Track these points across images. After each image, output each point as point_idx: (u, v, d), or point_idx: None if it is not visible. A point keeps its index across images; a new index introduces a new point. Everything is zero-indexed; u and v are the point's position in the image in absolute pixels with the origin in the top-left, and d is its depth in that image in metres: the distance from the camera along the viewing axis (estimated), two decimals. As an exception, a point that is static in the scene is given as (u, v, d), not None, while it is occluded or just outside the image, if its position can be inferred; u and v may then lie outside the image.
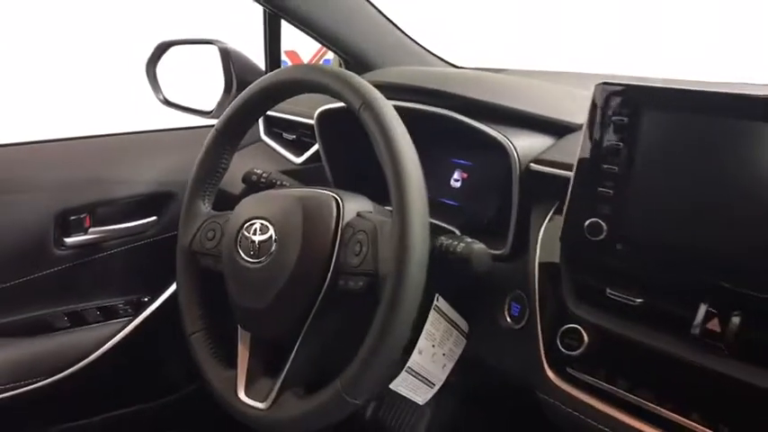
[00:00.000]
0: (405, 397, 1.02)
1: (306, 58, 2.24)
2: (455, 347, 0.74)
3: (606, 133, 0.53)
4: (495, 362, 0.73)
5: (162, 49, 1.15)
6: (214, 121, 1.02)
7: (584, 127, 0.54)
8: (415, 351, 0.67)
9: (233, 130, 0.71)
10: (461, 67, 1.21)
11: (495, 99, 0.69)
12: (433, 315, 0.68)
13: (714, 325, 0.48)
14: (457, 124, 0.71)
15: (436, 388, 0.75)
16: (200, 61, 1.16)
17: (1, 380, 0.81)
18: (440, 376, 0.74)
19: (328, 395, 0.54)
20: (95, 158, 0.94)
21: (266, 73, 1.10)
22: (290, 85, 0.65)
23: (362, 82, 0.57)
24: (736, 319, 0.46)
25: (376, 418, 1.10)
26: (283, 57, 1.26)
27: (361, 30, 1.06)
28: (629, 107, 0.51)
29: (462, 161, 0.85)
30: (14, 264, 0.85)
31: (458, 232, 0.75)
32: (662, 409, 0.48)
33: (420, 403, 0.76)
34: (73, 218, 0.88)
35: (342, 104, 0.78)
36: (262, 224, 0.62)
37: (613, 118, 0.52)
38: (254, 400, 0.62)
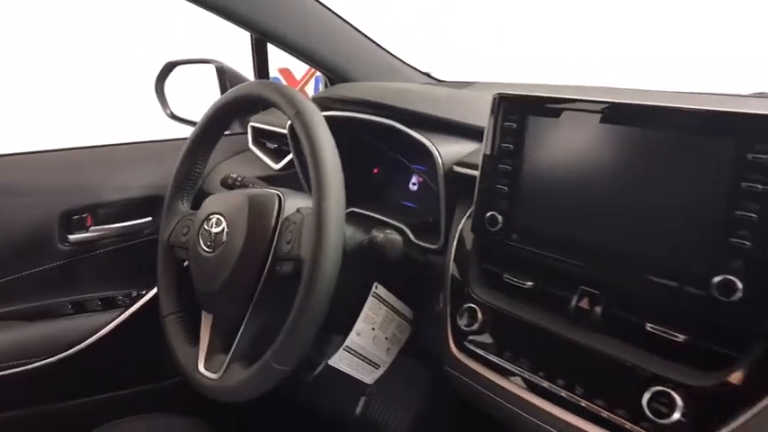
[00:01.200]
0: (395, 394, 1.09)
1: (298, 75, 2.37)
2: (399, 333, 0.82)
3: (501, 137, 0.60)
4: (435, 347, 0.81)
5: (168, 68, 1.27)
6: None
7: (485, 131, 0.62)
8: (353, 332, 0.75)
9: (204, 140, 0.81)
10: (440, 81, 1.30)
11: (430, 110, 0.77)
12: (371, 301, 0.76)
13: (585, 304, 0.55)
14: (399, 133, 0.79)
15: (382, 370, 0.83)
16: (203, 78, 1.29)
17: (8, 357, 0.93)
18: (384, 359, 0.82)
19: (260, 365, 0.63)
20: (97, 165, 1.06)
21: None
22: (246, 100, 0.75)
23: (297, 95, 0.66)
24: (601, 299, 0.53)
25: (365, 414, 1.18)
26: (277, 74, 1.37)
27: (344, 49, 1.15)
28: (516, 114, 0.59)
29: (420, 167, 0.94)
30: (24, 257, 0.97)
31: (407, 230, 0.83)
32: (537, 377, 0.55)
33: (368, 383, 0.84)
34: (75, 217, 1.00)
35: (334, 114, 0.89)
36: (217, 218, 0.71)
37: (505, 123, 0.60)
38: (210, 371, 0.71)
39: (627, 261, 0.51)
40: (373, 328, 0.78)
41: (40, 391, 0.97)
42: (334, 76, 1.16)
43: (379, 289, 0.77)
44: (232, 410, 1.17)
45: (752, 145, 0.43)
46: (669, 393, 0.46)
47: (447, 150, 0.72)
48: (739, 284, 0.44)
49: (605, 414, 0.49)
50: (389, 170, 0.99)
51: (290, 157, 1.04)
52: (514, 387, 0.56)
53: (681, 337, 0.48)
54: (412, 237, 0.82)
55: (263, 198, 0.70)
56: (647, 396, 0.47)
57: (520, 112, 0.59)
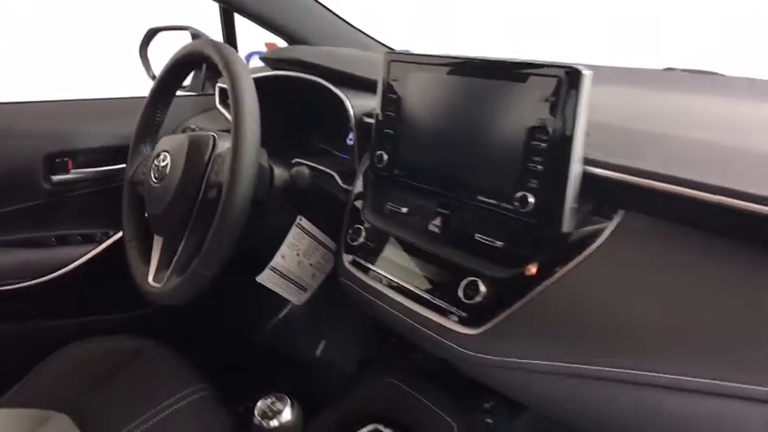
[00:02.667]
0: (351, 338, 1.21)
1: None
2: (324, 261, 0.96)
3: (388, 90, 0.73)
4: None
5: (150, 34, 1.41)
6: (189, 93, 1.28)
7: (378, 85, 0.75)
8: (278, 255, 0.90)
9: (162, 92, 0.95)
10: (387, 46, 1.42)
11: (351, 69, 0.90)
12: (295, 230, 0.90)
13: (438, 222, 0.68)
14: (327, 90, 0.92)
15: (309, 293, 0.97)
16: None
17: None
18: (310, 282, 0.96)
19: (189, 272, 0.77)
20: (79, 116, 1.20)
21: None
22: (192, 56, 0.88)
23: (228, 51, 0.79)
24: (450, 218, 0.67)
25: (324, 355, 1.32)
26: (264, 48, 1.50)
27: (303, 20, 1.28)
28: (400, 71, 0.72)
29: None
30: (12, 193, 1.12)
31: (336, 176, 0.96)
32: (400, 279, 0.69)
33: (296, 303, 0.98)
34: (58, 160, 1.15)
35: (259, 74, 1.02)
36: (164, 155, 0.85)
37: (391, 79, 0.73)
38: (156, 283, 0.86)
39: (464, 187, 0.64)
40: (298, 254, 0.92)
41: (18, 309, 1.13)
42: (290, 39, 1.28)
43: (302, 221, 0.91)
44: (198, 340, 1.32)
45: (544, 90, 0.56)
46: (477, 282, 0.59)
47: (359, 104, 0.85)
48: (532, 199, 0.57)
49: (436, 301, 0.63)
50: (333, 127, 1.13)
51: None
52: (383, 288, 0.70)
53: (498, 243, 0.61)
54: (340, 181, 0.95)
55: (200, 138, 0.84)
56: (462, 284, 0.60)
57: (401, 69, 0.71)
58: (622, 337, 0.52)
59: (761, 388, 0.45)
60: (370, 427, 0.81)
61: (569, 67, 0.54)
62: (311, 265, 0.94)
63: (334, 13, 1.30)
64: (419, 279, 0.67)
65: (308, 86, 0.96)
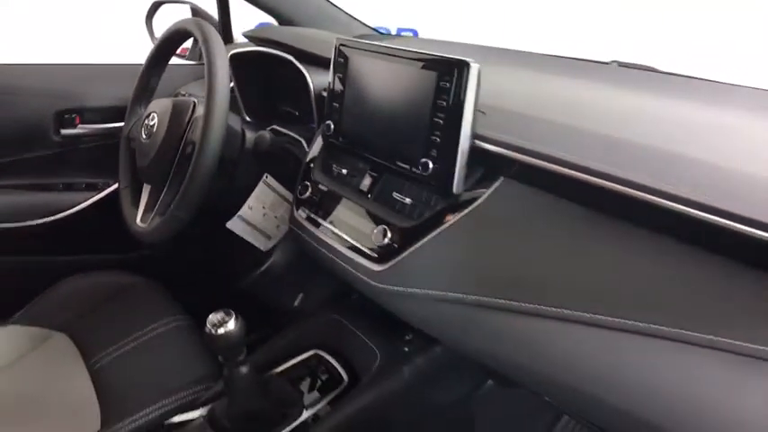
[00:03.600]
0: (327, 292, 1.33)
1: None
2: (287, 215, 1.11)
3: (336, 69, 0.87)
4: None
5: (154, 7, 1.56)
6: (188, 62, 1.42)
7: (330, 65, 0.89)
8: (245, 206, 1.05)
9: (155, 62, 1.09)
10: (383, 35, 1.55)
11: (316, 50, 1.04)
12: (261, 186, 1.05)
13: (367, 182, 0.83)
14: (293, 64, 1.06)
15: (273, 241, 1.13)
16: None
17: (7, 216, 1.25)
18: (275, 232, 1.11)
19: (168, 214, 0.92)
20: (88, 78, 1.36)
21: (219, 26, 1.49)
22: (179, 33, 1.03)
23: (206, 28, 0.93)
24: (377, 179, 0.81)
25: (301, 305, 1.48)
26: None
27: (292, 2, 1.41)
28: (344, 55, 0.86)
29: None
30: (26, 143, 1.29)
31: (303, 141, 1.10)
32: (336, 228, 0.84)
33: (262, 249, 1.14)
34: (67, 116, 1.31)
35: (240, 49, 1.16)
36: (153, 115, 1.00)
37: (338, 59, 0.87)
38: (143, 224, 1.02)
39: (387, 154, 0.79)
40: (263, 207, 1.07)
41: (28, 245, 1.30)
42: (281, 20, 1.42)
43: (269, 179, 1.06)
44: (185, 282, 1.48)
45: (442, 75, 0.70)
46: (386, 230, 0.74)
47: (319, 79, 0.99)
48: (431, 165, 0.71)
49: (358, 245, 0.78)
50: (303, 98, 1.27)
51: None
52: (321, 234, 0.85)
53: (407, 200, 0.76)
54: (305, 146, 1.10)
55: (182, 103, 0.99)
56: (375, 231, 0.75)
57: (347, 52, 0.85)
58: (493, 274, 0.66)
59: (588, 314, 0.57)
60: (312, 352, 0.97)
61: (463, 61, 0.68)
62: (276, 217, 1.09)
63: (332, 4, 1.44)
64: (349, 228, 0.82)
65: (282, 62, 1.10)
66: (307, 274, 1.43)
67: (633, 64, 1.17)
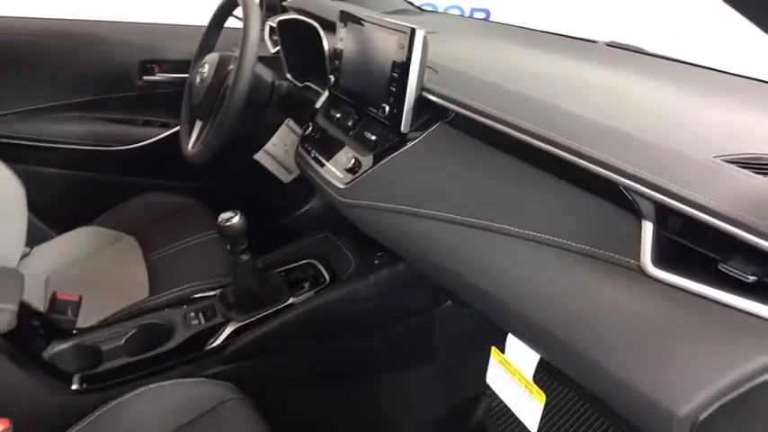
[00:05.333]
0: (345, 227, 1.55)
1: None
2: (306, 154, 1.36)
3: (338, 33, 1.10)
4: None
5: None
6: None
7: (336, 30, 1.12)
8: (270, 142, 1.31)
9: (215, 25, 1.37)
10: (420, 9, 1.75)
11: (333, 18, 1.26)
12: (284, 127, 1.31)
13: (350, 123, 1.05)
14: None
15: (293, 174, 1.38)
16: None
17: (96, 140, 1.60)
18: (294, 168, 1.37)
19: (206, 140, 1.20)
20: (167, 36, 1.67)
21: None
22: (229, 3, 1.29)
23: (249, 1, 1.18)
24: (359, 122, 1.04)
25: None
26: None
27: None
28: (344, 23, 1.08)
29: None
30: (116, 85, 1.62)
31: (319, 90, 1.34)
32: (325, 161, 1.08)
33: (284, 181, 1.40)
34: (148, 65, 1.63)
35: (292, 17, 1.41)
36: (206, 65, 1.28)
37: (340, 26, 1.09)
38: (191, 149, 1.30)
39: (363, 101, 1.01)
40: (285, 145, 1.33)
41: (111, 166, 1.65)
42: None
43: (290, 122, 1.31)
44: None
45: (399, 40, 0.91)
46: (355, 158, 0.97)
47: (334, 43, 1.22)
48: (387, 108, 0.93)
49: (334, 169, 1.01)
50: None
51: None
52: (313, 162, 1.09)
53: (372, 137, 0.98)
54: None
55: (226, 56, 1.25)
56: (345, 158, 0.98)
57: (346, 21, 1.08)
58: (422, 192, 0.86)
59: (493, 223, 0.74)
60: (306, 260, 1.22)
61: (413, 28, 0.88)
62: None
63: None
64: (333, 158, 1.06)
65: (313, 28, 1.34)
66: (336, 219, 1.69)
67: (622, 44, 1.30)
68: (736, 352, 0.47)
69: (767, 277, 0.50)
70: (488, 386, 1.23)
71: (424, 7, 1.84)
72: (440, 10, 3.79)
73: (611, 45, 1.30)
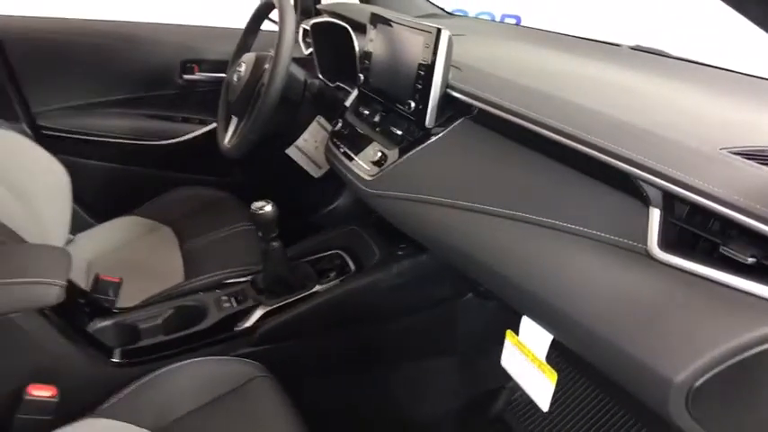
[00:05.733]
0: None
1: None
2: (334, 150, 1.41)
3: (369, 35, 1.16)
4: None
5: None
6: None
7: (366, 32, 1.17)
8: (301, 138, 1.37)
9: (251, 28, 1.44)
10: (449, 13, 1.80)
11: (364, 20, 1.32)
12: (314, 124, 1.37)
13: (377, 119, 1.11)
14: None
15: (323, 170, 1.44)
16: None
17: (135, 135, 1.69)
18: (324, 163, 1.42)
19: (241, 135, 1.26)
20: (205, 37, 1.75)
21: (311, 2, 1.81)
22: (266, 6, 1.36)
23: (284, 2, 1.25)
24: (387, 118, 1.09)
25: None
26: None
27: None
28: (374, 25, 1.14)
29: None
30: (158, 83, 1.70)
31: (349, 89, 1.39)
32: (350, 152, 1.13)
33: (314, 176, 1.45)
34: (188, 65, 1.71)
35: (325, 20, 1.47)
36: (243, 64, 1.34)
37: (370, 28, 1.15)
38: (228, 144, 1.37)
39: (390, 97, 1.06)
40: (315, 141, 1.39)
41: (147, 160, 1.73)
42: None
43: (320, 119, 1.37)
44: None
45: (425, 40, 0.96)
46: (382, 151, 1.02)
47: (363, 44, 1.28)
48: (413, 104, 0.98)
49: (362, 162, 1.06)
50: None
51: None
52: (341, 155, 1.14)
53: (398, 131, 1.03)
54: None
55: (262, 56, 1.32)
56: (371, 151, 1.03)
57: (376, 23, 1.13)
58: (445, 183, 0.91)
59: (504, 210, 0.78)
60: (333, 251, 1.28)
61: (438, 29, 0.93)
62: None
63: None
64: (362, 152, 1.11)
65: (345, 30, 1.40)
66: (361, 216, 1.74)
67: (646, 48, 1.33)
68: (731, 326, 0.50)
69: (765, 259, 0.53)
70: (508, 379, 1.27)
71: (455, 12, 1.89)
72: (470, 15, 3.83)
73: (636, 48, 1.33)
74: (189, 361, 1.00)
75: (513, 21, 3.98)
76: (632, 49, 1.33)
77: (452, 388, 1.33)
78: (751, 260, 0.53)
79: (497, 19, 3.94)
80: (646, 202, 0.63)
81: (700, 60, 1.21)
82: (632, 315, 0.56)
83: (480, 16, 3.89)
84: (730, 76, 1.06)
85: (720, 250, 0.56)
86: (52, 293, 0.92)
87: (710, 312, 0.52)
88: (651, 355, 0.52)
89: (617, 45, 1.35)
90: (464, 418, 1.31)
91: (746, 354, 0.48)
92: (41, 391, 0.94)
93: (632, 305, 0.57)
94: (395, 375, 1.28)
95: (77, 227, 1.52)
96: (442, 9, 1.80)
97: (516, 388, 1.34)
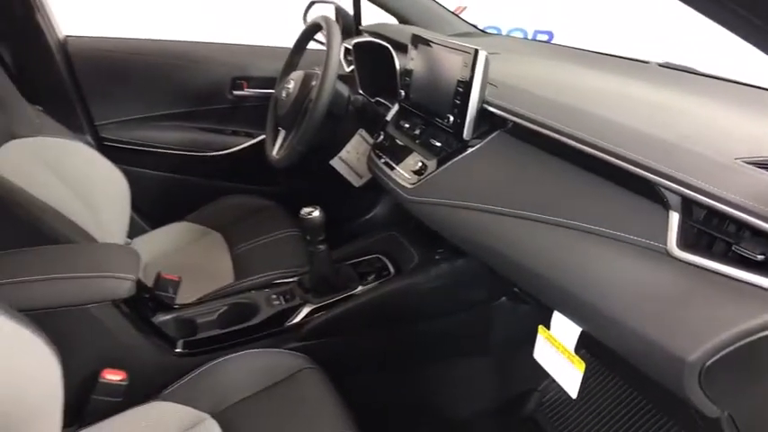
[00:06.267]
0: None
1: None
2: (375, 161, 1.50)
3: (410, 54, 1.25)
4: None
5: (310, 5, 2.04)
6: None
7: (407, 51, 1.26)
8: (344, 150, 1.46)
9: (299, 46, 1.55)
10: (483, 31, 1.89)
11: (405, 41, 1.41)
12: (357, 137, 1.46)
13: (417, 132, 1.19)
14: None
15: (364, 179, 1.53)
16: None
17: (192, 148, 1.81)
18: (365, 173, 1.52)
19: (290, 147, 1.36)
20: (255, 55, 1.87)
21: (353, 23, 1.92)
22: (314, 26, 1.46)
23: (330, 23, 1.35)
24: (426, 131, 1.18)
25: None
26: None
27: (407, 4, 1.80)
28: (415, 44, 1.23)
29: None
30: (210, 98, 1.83)
31: (389, 104, 1.49)
32: (392, 163, 1.21)
33: (355, 185, 1.55)
34: (238, 81, 1.83)
35: (366, 39, 1.57)
36: (291, 81, 1.45)
37: (411, 48, 1.24)
38: (277, 154, 1.47)
39: (430, 112, 1.15)
40: (357, 153, 1.48)
41: (201, 169, 1.85)
42: (400, 20, 1.81)
43: (362, 132, 1.46)
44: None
45: (464, 59, 1.04)
46: (422, 161, 1.10)
47: (404, 62, 1.37)
48: (452, 118, 1.06)
49: (403, 171, 1.15)
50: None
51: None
52: (383, 165, 1.23)
53: (437, 143, 1.12)
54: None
55: (310, 73, 1.42)
56: (412, 161, 1.12)
57: (417, 43, 1.22)
58: (483, 190, 0.98)
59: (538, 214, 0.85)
60: (374, 255, 1.36)
61: (476, 49, 1.01)
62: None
63: (433, 0, 1.80)
64: (402, 163, 1.19)
65: (386, 49, 1.49)
66: (399, 224, 1.83)
67: (674, 65, 1.39)
68: (740, 313, 0.57)
69: (774, 256, 0.59)
70: (540, 382, 1.33)
71: (489, 29, 1.97)
72: (503, 32, 3.92)
73: (664, 65, 1.39)
74: (243, 352, 1.09)
75: (545, 36, 4.04)
76: (660, 65, 1.40)
77: (486, 388, 1.40)
78: (760, 257, 0.59)
79: (530, 34, 4.01)
80: (666, 207, 0.70)
81: (725, 76, 1.26)
82: (653, 305, 0.63)
83: (513, 32, 3.96)
84: (753, 92, 1.11)
85: (733, 249, 0.62)
86: (125, 287, 1.03)
87: (722, 302, 0.59)
88: (668, 339, 0.58)
89: (645, 62, 1.41)
90: (497, 416, 1.37)
91: (753, 337, 0.55)
92: (113, 376, 1.05)
93: (653, 297, 0.64)
94: (430, 374, 1.35)
95: (133, 232, 1.65)
96: (475, 27, 1.89)
97: (547, 390, 1.40)
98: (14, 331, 0.72)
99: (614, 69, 1.33)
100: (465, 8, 3.91)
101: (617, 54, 1.50)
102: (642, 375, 0.66)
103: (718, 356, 0.55)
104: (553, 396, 1.38)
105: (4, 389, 0.69)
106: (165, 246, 1.63)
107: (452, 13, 1.86)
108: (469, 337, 1.36)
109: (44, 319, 0.77)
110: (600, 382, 1.29)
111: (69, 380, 0.78)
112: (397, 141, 1.24)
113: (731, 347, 0.55)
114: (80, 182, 1.40)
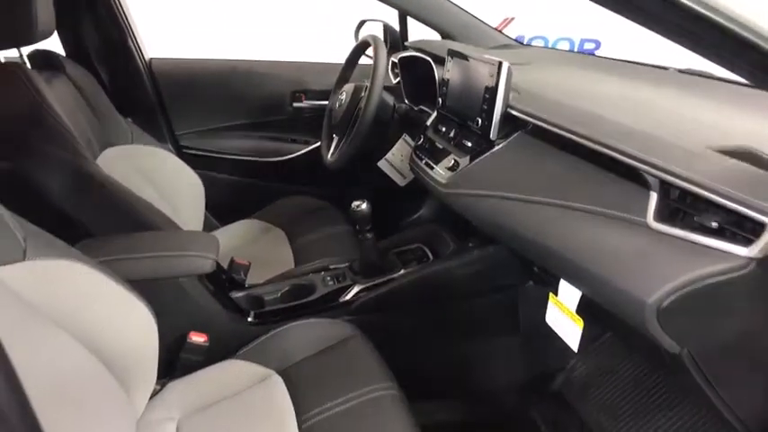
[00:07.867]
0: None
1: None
2: (418, 163, 1.69)
3: (446, 66, 1.43)
4: None
5: (361, 23, 2.25)
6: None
7: (444, 63, 1.45)
8: (390, 153, 1.65)
9: (350, 63, 1.76)
10: (523, 44, 2.04)
11: (444, 54, 1.59)
12: (401, 141, 1.65)
13: (452, 134, 1.37)
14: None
15: (407, 180, 1.72)
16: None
17: (257, 154, 2.05)
18: (408, 174, 1.70)
19: (342, 150, 1.57)
20: (312, 71, 2.10)
21: (399, 39, 2.12)
22: (363, 43, 1.67)
23: (378, 41, 1.55)
24: (459, 133, 1.36)
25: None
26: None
27: (450, 21, 1.97)
28: (452, 56, 1.41)
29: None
30: (272, 110, 2.07)
31: (430, 111, 1.67)
32: (431, 161, 1.40)
33: (400, 185, 1.73)
34: (297, 94, 2.06)
35: (410, 54, 1.76)
36: (344, 92, 1.66)
37: (447, 60, 1.42)
38: (332, 158, 1.68)
39: (463, 117, 1.32)
40: (401, 155, 1.67)
41: (265, 173, 2.09)
42: (443, 35, 2.00)
43: (406, 137, 1.65)
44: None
45: (490, 69, 1.21)
46: (455, 159, 1.28)
47: (442, 73, 1.55)
48: (480, 121, 1.24)
49: (439, 169, 1.33)
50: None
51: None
52: (422, 165, 1.41)
53: (469, 143, 1.29)
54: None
55: (360, 85, 1.62)
56: (446, 159, 1.30)
57: (452, 56, 1.40)
58: (509, 181, 1.15)
59: (556, 200, 1.03)
60: (416, 245, 1.55)
61: (500, 62, 1.19)
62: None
63: (473, 16, 1.98)
64: (441, 162, 1.37)
65: (428, 63, 1.68)
66: (441, 221, 1.99)
67: (693, 70, 1.51)
68: (692, 266, 0.72)
69: (726, 224, 0.74)
70: (566, 362, 1.48)
71: (536, 39, 2.13)
72: (550, 41, 4.03)
73: (684, 71, 1.51)
74: (303, 321, 1.29)
75: (592, 45, 4.12)
76: (680, 71, 1.52)
77: (516, 366, 1.55)
78: (714, 225, 0.74)
79: (576, 43, 4.10)
80: (647, 188, 0.85)
81: (740, 81, 1.38)
82: (627, 264, 0.78)
83: (559, 41, 4.07)
84: (757, 93, 1.23)
85: (695, 219, 0.77)
86: (207, 264, 1.25)
87: (680, 259, 0.74)
88: (634, 286, 0.74)
89: (665, 68, 1.54)
90: (526, 391, 1.52)
91: (701, 284, 0.70)
92: (198, 338, 1.27)
93: (627, 257, 0.79)
94: (464, 349, 1.51)
95: (205, 229, 1.89)
96: (515, 39, 2.05)
97: (573, 369, 1.53)
98: (124, 297, 0.94)
99: (630, 75, 1.47)
100: (512, 19, 4.07)
101: (638, 61, 1.63)
102: (628, 327, 0.82)
103: (672, 298, 0.70)
104: (579, 374, 1.51)
105: (115, 342, 0.91)
106: (234, 240, 1.86)
107: (491, 27, 2.03)
108: (498, 317, 1.52)
109: (145, 289, 0.99)
110: (619, 362, 1.43)
111: (163, 339, 0.99)
112: (436, 144, 1.42)
113: (683, 290, 0.70)
114: (165, 183, 1.65)
